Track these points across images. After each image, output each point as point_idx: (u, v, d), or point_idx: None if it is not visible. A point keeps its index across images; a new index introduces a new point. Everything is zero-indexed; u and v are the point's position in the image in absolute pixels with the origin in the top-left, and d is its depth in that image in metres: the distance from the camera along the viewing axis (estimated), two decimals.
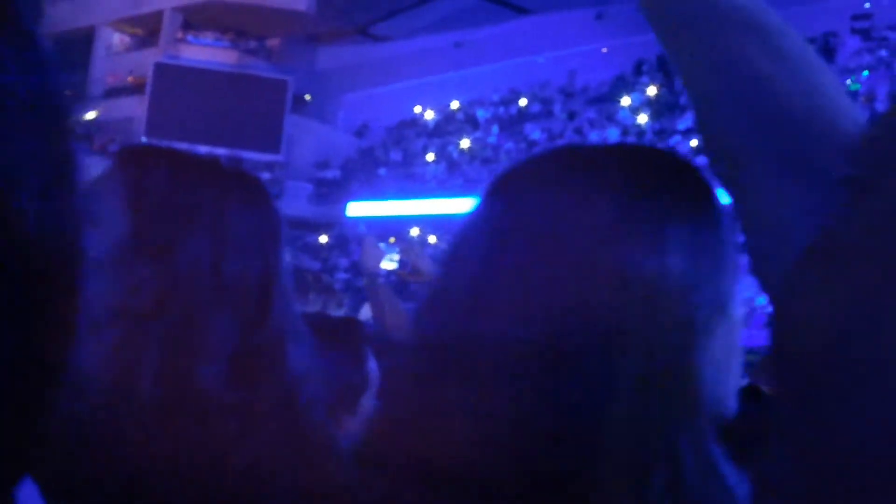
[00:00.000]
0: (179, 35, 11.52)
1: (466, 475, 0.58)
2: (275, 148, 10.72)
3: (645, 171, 0.64)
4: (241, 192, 0.79)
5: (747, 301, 0.73)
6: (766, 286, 0.63)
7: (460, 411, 0.59)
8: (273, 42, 11.90)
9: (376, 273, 2.71)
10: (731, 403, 0.67)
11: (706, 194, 0.64)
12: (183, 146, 0.82)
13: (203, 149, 0.83)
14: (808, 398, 0.38)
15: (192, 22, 11.73)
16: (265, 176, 10.40)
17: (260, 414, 0.72)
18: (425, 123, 11.82)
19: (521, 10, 11.16)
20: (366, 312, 3.10)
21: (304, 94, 11.66)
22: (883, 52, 9.03)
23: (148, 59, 11.38)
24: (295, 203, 10.57)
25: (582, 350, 0.58)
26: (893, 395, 0.34)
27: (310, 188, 11.54)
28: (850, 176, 0.38)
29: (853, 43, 9.33)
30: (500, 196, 0.66)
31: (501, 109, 11.11)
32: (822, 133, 0.59)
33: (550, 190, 0.65)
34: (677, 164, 0.66)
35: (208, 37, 11.66)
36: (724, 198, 0.65)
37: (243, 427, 0.71)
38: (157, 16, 11.74)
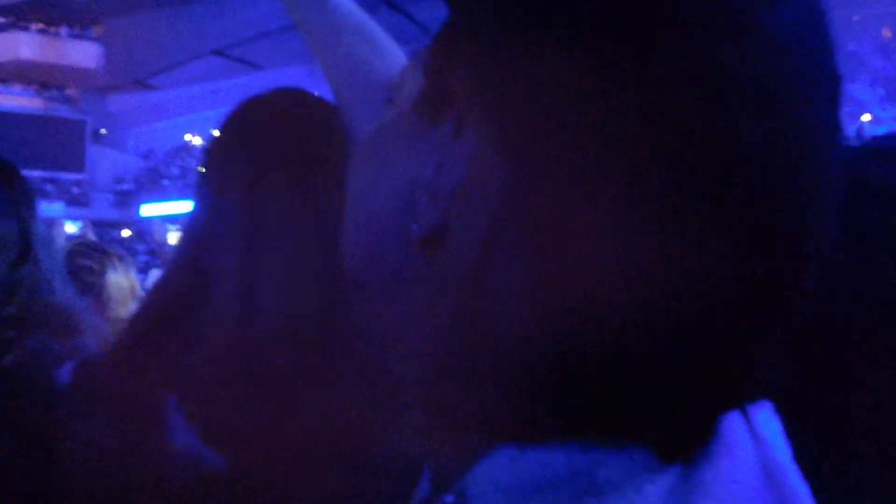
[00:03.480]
0: None
1: None
2: (80, 169, 13.30)
3: None
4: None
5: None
6: None
7: None
8: (72, 91, 14.18)
9: (164, 242, 3.82)
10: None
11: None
12: None
13: (22, 171, 1.07)
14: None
15: (2, 76, 13.53)
16: (76, 190, 13.67)
17: None
18: (194, 147, 14.75)
19: (257, 67, 14.46)
20: (154, 276, 3.89)
21: (100, 129, 14.29)
22: None
23: None
24: (100, 208, 13.30)
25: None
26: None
27: (111, 197, 14.17)
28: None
29: None
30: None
31: None
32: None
33: None
34: None
35: (17, 88, 13.63)
36: None
37: None
38: None
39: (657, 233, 0.30)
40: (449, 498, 0.33)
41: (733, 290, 0.31)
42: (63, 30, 13.04)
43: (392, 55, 0.81)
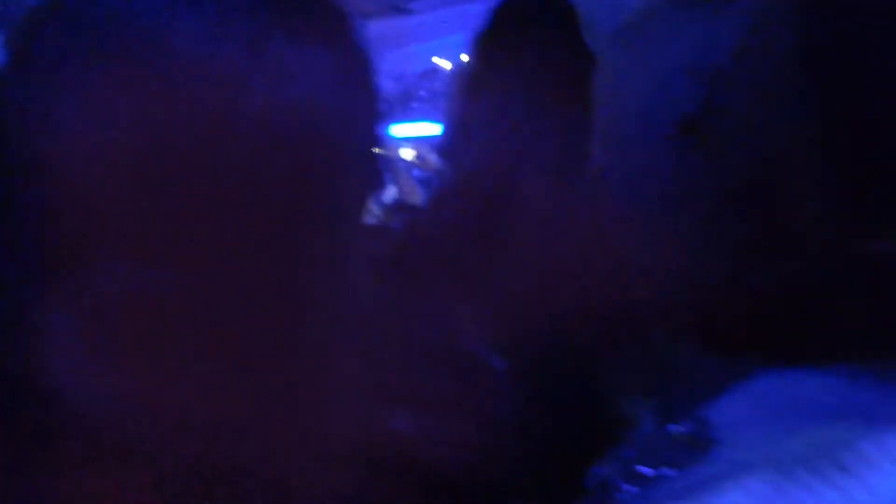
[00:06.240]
0: None
1: None
2: None
3: None
4: None
5: None
6: None
7: None
8: None
9: (396, 159, 4.01)
10: None
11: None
12: None
13: None
14: None
15: None
16: None
17: None
18: (443, 70, 15.42)
19: None
20: (389, 193, 3.86)
21: None
22: None
23: None
24: None
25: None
26: None
27: None
28: None
29: None
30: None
31: None
32: None
33: None
34: None
35: None
36: None
37: None
38: None
39: None
40: (682, 427, 0.30)
41: None
42: None
43: None
